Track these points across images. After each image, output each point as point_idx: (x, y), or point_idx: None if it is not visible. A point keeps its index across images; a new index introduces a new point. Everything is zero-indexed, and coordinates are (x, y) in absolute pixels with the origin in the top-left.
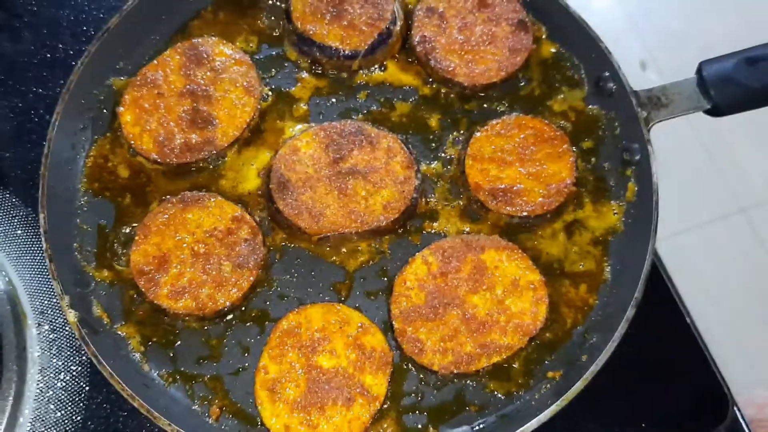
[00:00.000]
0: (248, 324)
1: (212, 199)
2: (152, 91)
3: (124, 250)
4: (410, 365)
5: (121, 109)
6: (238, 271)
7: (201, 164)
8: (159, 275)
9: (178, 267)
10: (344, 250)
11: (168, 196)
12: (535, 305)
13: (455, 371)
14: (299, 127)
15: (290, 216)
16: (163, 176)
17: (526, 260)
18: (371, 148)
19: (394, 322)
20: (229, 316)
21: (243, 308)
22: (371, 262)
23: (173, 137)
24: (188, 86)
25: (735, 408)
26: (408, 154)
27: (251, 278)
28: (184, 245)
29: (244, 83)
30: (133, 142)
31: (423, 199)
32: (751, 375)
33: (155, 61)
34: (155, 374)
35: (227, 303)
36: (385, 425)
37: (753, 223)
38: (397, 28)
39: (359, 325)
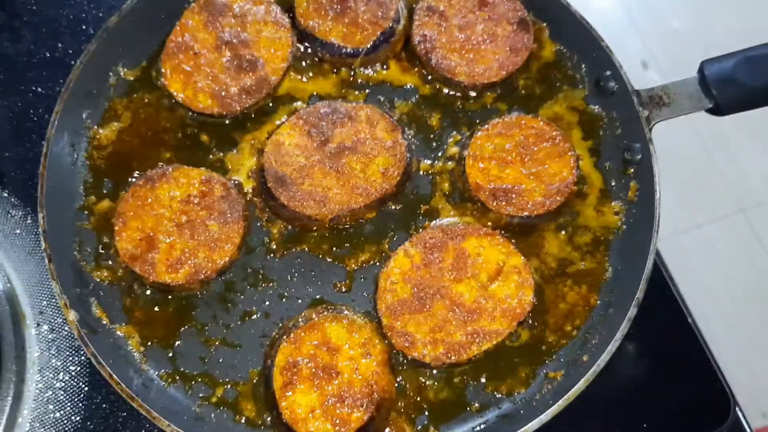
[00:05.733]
0: (248, 324)
1: (175, 171)
2: (187, 53)
3: (109, 245)
4: (410, 366)
5: (165, 81)
6: (226, 227)
7: (258, 106)
8: (151, 255)
9: (167, 241)
10: (345, 246)
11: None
12: (520, 289)
13: (447, 361)
14: (278, 122)
15: (296, 207)
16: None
17: (507, 245)
18: (351, 123)
19: (381, 318)
20: (228, 317)
21: (243, 308)
22: (371, 262)
23: (228, 87)
24: (220, 38)
25: (737, 409)
26: (389, 118)
27: (240, 230)
28: (165, 220)
29: (271, 18)
30: (190, 105)
31: (425, 196)
32: (753, 375)
33: (177, 27)
34: (155, 374)
35: (226, 259)
36: (386, 426)
37: (753, 223)
38: (401, 27)
39: (363, 340)
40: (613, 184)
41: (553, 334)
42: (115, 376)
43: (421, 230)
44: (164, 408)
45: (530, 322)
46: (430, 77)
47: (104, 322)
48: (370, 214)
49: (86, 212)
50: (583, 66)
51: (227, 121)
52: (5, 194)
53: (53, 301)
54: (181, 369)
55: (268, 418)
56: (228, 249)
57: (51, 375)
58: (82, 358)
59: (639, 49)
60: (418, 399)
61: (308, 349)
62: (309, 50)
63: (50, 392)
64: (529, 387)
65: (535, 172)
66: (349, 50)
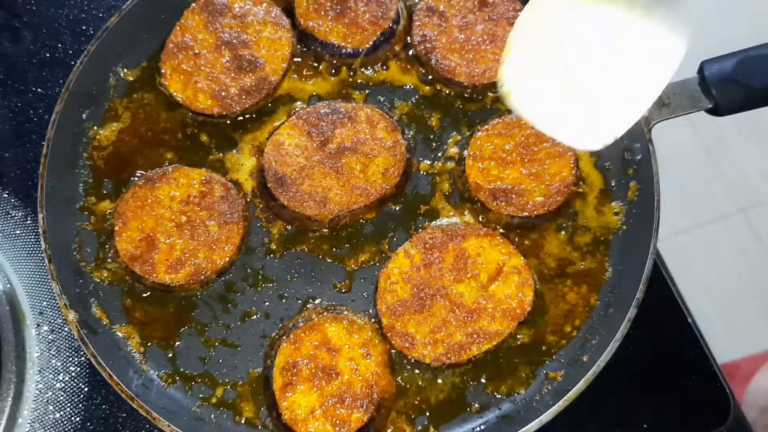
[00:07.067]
0: (248, 324)
1: (175, 171)
2: (187, 53)
3: (108, 246)
4: (410, 366)
5: (165, 81)
6: (226, 227)
7: (258, 106)
8: (151, 255)
9: (167, 242)
10: (345, 247)
11: (135, 177)
12: (520, 289)
13: (447, 362)
14: (278, 122)
15: (296, 208)
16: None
17: (507, 245)
18: (352, 123)
19: (381, 319)
20: (228, 318)
21: (243, 309)
22: (371, 262)
23: (227, 87)
24: (220, 38)
25: (737, 409)
26: (389, 118)
27: (240, 231)
28: (165, 221)
29: (271, 18)
30: (190, 105)
31: (425, 196)
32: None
33: (177, 27)
34: (155, 375)
35: (226, 260)
36: (386, 426)
37: (753, 223)
38: (401, 27)
39: (363, 340)
40: (613, 184)
41: (553, 335)
42: (114, 377)
43: (421, 230)
44: (164, 408)
45: (530, 322)
46: (430, 77)
47: (104, 323)
48: (370, 214)
49: (86, 212)
50: None
51: (227, 121)
52: (5, 194)
53: (53, 301)
54: (181, 369)
55: (268, 419)
56: (228, 249)
57: (51, 375)
58: (82, 358)
59: None
60: (418, 399)
61: (308, 349)
62: (309, 50)
63: (50, 393)
64: (529, 387)
65: (535, 172)
66: (349, 50)
